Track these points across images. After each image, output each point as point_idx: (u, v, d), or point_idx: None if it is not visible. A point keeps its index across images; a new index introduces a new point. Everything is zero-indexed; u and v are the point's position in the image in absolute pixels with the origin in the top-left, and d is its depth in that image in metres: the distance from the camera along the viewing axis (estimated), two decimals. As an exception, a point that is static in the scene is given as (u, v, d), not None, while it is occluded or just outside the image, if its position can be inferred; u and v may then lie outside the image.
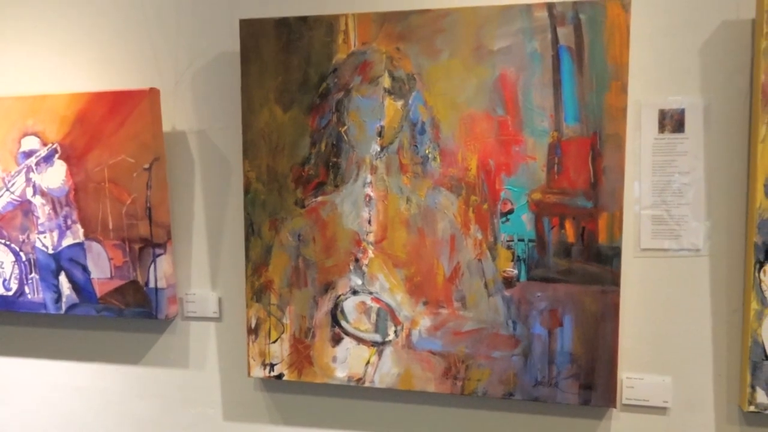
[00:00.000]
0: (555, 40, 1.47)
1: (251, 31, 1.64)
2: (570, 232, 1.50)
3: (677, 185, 1.51)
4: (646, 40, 1.49)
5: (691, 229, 1.51)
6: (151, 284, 1.77)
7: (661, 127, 1.51)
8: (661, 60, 1.49)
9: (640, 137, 1.52)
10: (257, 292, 1.71)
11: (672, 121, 1.50)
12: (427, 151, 1.56)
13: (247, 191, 1.69)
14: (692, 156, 1.49)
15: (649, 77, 1.50)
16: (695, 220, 1.50)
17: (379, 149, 1.59)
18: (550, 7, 1.47)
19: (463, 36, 1.52)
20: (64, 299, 1.85)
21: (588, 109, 1.46)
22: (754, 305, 1.44)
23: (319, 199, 1.64)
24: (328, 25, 1.59)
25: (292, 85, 1.63)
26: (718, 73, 1.47)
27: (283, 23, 1.62)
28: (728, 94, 1.47)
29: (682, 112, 1.49)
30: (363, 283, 1.63)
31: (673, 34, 1.48)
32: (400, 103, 1.56)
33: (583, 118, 1.47)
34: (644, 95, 1.50)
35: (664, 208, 1.52)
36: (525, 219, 1.52)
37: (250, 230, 1.69)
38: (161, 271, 1.77)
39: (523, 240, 1.52)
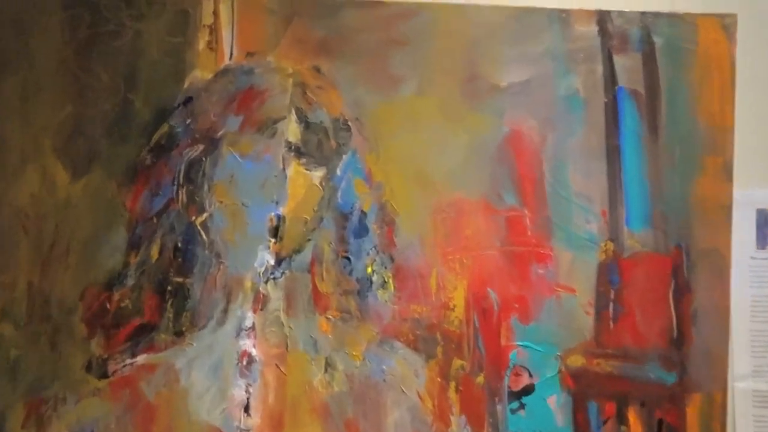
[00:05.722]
0: (611, 75, 0.91)
1: (14, 13, 0.87)
2: (637, 428, 0.88)
3: (792, 339, 0.94)
4: (744, 89, 0.92)
5: (819, 416, 0.93)
6: None
7: (762, 240, 0.95)
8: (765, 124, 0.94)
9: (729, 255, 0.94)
10: None
11: (779, 230, 0.96)
12: (369, 270, 0.85)
13: (-20, 340, 0.85)
14: (815, 289, 0.94)
15: (743, 154, 0.93)
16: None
17: (272, 261, 0.86)
18: (602, 17, 0.88)
19: (443, 56, 0.87)
20: None
21: (667, 203, 0.90)
22: None
23: (140, 359, 0.85)
24: (180, 12, 0.88)
25: (95, 125, 0.87)
26: None
27: (83, 1, 0.86)
28: None
29: (793, 215, 0.96)
30: None
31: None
32: (318, 174, 0.88)
33: (656, 218, 0.90)
34: (735, 184, 0.94)
35: (773, 379, 0.94)
36: (554, 404, 0.88)
37: (-17, 424, 0.85)
38: None
39: (550, 445, 0.87)
